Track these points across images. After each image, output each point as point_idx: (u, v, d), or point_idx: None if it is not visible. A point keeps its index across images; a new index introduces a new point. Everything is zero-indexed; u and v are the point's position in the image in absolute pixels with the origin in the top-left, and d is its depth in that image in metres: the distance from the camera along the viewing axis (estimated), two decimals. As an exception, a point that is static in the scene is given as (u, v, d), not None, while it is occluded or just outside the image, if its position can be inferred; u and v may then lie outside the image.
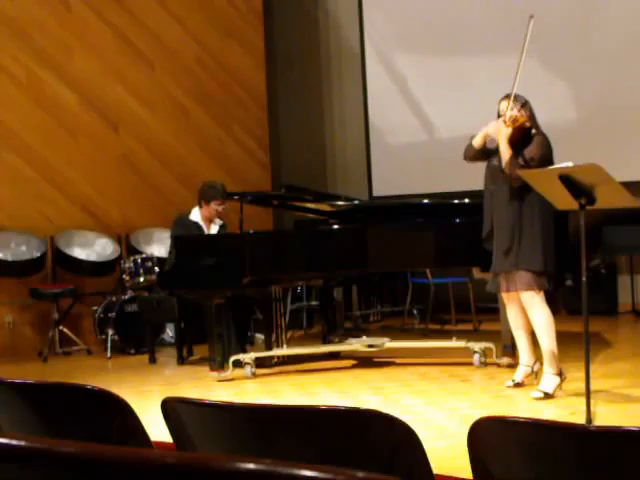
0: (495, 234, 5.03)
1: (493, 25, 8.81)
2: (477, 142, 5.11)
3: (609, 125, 8.15)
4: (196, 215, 6.61)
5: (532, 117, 4.97)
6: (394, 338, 6.56)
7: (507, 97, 4.97)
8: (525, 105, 4.95)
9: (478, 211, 5.22)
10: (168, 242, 6.90)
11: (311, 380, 5.76)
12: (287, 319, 7.12)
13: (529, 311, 4.91)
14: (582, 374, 4.18)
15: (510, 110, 4.89)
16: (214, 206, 6.48)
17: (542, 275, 4.87)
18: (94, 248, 8.08)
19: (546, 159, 4.80)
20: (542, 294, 4.89)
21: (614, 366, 5.64)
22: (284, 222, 9.56)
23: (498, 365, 5.77)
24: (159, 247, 8.24)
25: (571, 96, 8.30)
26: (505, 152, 4.85)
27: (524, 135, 4.93)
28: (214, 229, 6.68)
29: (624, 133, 8.07)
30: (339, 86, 10.11)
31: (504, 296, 5.12)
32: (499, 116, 5.00)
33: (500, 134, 4.88)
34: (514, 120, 4.87)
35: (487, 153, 5.12)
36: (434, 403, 4.84)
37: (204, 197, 6.51)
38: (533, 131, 4.96)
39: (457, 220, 5.98)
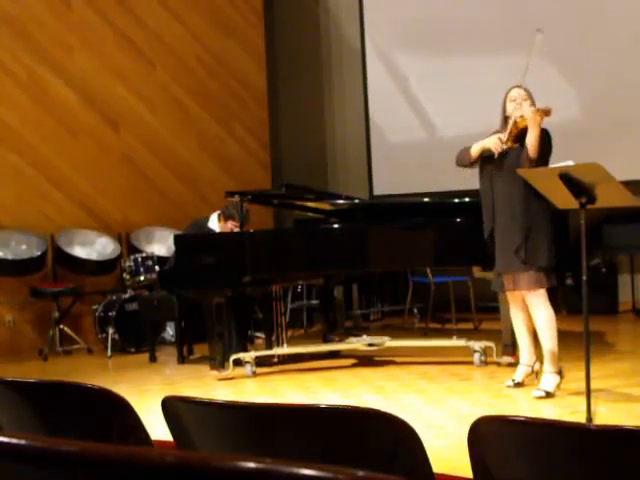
0: (500, 234, 4.98)
1: (494, 24, 8.81)
2: (475, 153, 5.07)
3: (609, 124, 8.14)
4: (214, 223, 6.65)
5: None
6: (394, 337, 6.56)
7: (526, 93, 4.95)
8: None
9: (478, 210, 5.21)
10: (168, 241, 6.90)
11: (311, 379, 5.76)
12: (287, 318, 7.12)
13: (532, 310, 4.90)
14: (582, 373, 4.18)
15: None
16: (230, 225, 6.55)
17: (547, 272, 4.86)
18: (94, 247, 8.08)
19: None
20: (546, 293, 4.88)
21: (614, 365, 5.63)
22: (284, 221, 9.56)
23: (498, 364, 5.77)
24: (159, 246, 8.24)
25: (571, 95, 8.29)
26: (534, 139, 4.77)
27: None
28: None
29: (624, 132, 8.06)
30: (340, 85, 10.10)
31: (509, 295, 5.09)
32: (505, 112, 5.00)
33: (535, 122, 4.75)
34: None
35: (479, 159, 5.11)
36: (434, 402, 4.84)
37: (225, 214, 6.60)
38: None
39: (457, 220, 5.97)
